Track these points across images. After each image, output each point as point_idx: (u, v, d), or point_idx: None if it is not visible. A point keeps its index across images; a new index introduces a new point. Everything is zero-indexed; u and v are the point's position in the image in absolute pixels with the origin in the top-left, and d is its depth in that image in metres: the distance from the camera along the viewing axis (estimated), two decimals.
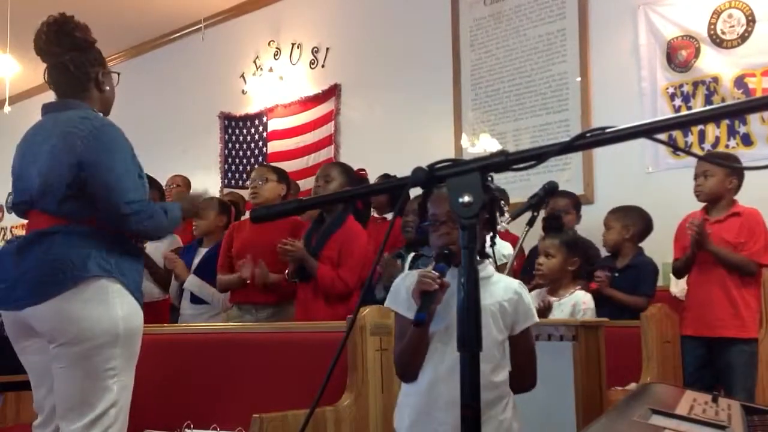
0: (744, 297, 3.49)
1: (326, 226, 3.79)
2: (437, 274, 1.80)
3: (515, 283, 2.00)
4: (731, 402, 1.69)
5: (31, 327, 2.30)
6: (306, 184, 5.97)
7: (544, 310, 3.11)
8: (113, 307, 2.26)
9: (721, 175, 3.54)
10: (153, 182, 4.98)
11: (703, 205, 3.65)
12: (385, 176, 4.77)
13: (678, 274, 3.78)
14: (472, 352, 1.02)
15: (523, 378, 1.97)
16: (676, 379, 3.22)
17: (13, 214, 2.60)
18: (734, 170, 3.53)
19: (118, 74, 2.58)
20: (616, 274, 3.70)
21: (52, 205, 2.31)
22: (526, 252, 4.08)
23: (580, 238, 3.61)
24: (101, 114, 2.44)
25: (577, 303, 3.18)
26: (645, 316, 3.13)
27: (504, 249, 3.66)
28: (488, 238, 1.99)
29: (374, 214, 4.98)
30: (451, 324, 1.82)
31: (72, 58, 2.42)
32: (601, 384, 2.53)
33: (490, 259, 2.07)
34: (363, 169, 4.60)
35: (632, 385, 2.89)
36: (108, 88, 2.50)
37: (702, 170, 3.58)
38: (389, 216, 4.95)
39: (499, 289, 1.96)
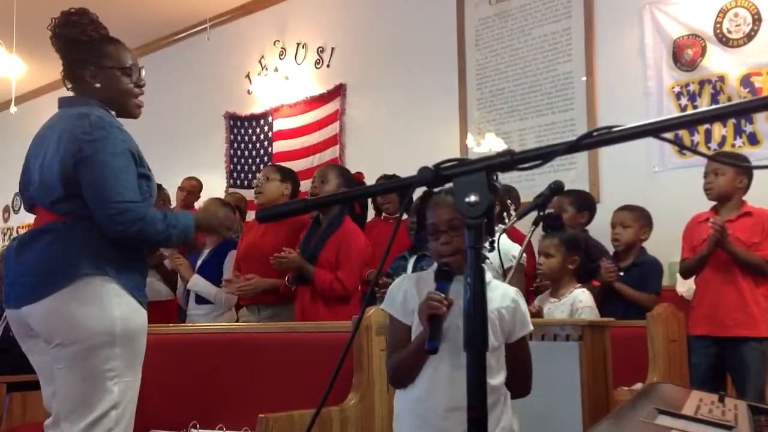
0: (755, 296, 3.51)
1: (323, 229, 3.79)
2: (442, 295, 1.76)
3: (513, 291, 1.97)
4: (738, 402, 1.69)
5: (30, 326, 2.26)
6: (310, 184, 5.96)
7: (533, 316, 3.05)
8: (109, 306, 2.19)
9: (732, 173, 3.54)
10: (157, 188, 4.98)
11: (711, 204, 3.65)
12: (386, 176, 4.70)
13: (687, 274, 3.76)
14: (478, 351, 1.02)
15: (518, 386, 1.93)
16: (683, 379, 3.21)
17: (19, 214, 2.59)
18: (744, 169, 3.53)
19: (119, 68, 2.40)
20: (621, 273, 3.69)
21: (50, 202, 2.26)
22: (536, 251, 4.04)
23: (580, 236, 3.57)
24: (104, 110, 2.35)
25: (574, 302, 3.15)
26: (651, 316, 3.11)
27: (513, 250, 3.54)
28: (487, 243, 1.92)
29: (384, 214, 5.00)
30: (449, 331, 1.77)
31: (64, 56, 2.41)
32: (608, 384, 2.53)
33: (490, 262, 2.04)
34: (360, 172, 4.60)
35: (638, 385, 2.88)
36: (99, 85, 2.38)
37: (713, 168, 3.59)
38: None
39: (497, 295, 1.92)
